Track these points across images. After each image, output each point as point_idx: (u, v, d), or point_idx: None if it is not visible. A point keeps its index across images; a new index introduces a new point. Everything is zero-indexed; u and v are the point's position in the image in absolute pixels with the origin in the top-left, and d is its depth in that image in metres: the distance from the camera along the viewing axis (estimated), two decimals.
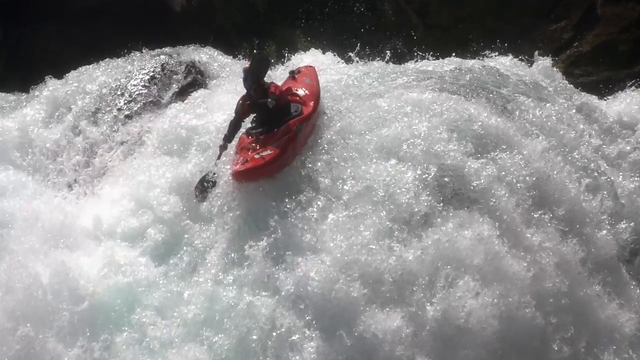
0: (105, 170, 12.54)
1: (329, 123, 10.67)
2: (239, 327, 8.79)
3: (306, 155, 10.25)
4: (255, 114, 9.01)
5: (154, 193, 10.32)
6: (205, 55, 15.68)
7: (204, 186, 8.96)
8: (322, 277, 8.98)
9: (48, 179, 12.14)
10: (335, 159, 10.39)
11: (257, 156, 8.24)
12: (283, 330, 8.71)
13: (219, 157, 8.80)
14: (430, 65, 15.56)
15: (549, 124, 11.87)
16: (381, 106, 11.61)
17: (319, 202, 9.86)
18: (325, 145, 10.59)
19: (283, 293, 8.98)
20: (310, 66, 10.43)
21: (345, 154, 10.54)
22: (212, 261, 9.21)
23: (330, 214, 9.74)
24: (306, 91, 9.59)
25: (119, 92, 14.07)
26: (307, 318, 8.82)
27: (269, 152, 8.38)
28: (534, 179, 10.51)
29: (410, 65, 15.52)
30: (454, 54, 15.96)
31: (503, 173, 10.46)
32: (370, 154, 10.58)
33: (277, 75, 12.24)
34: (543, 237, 9.88)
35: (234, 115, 8.80)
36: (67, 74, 14.45)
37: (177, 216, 10.03)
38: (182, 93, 14.05)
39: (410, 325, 8.87)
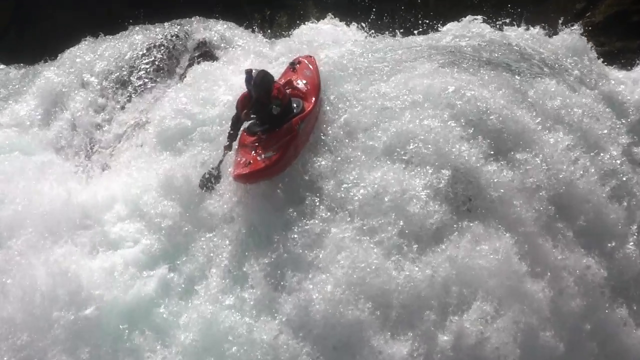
0: (110, 154, 12.17)
1: (332, 116, 10.07)
2: (238, 357, 8.17)
3: (309, 155, 9.57)
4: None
5: (153, 196, 9.77)
6: (215, 28, 14.91)
7: (208, 181, 8.73)
8: (326, 300, 8.39)
9: (57, 157, 11.87)
10: (339, 159, 9.66)
11: (259, 158, 8.01)
12: None
13: (223, 157, 8.57)
14: (443, 36, 14.38)
15: (573, 116, 10.82)
16: (388, 94, 10.71)
17: (322, 213, 9.20)
18: (329, 144, 9.87)
19: (285, 318, 8.41)
20: (310, 56, 9.88)
21: (349, 154, 9.79)
22: (213, 279, 8.80)
23: (334, 227, 9.05)
24: (307, 85, 9.18)
25: (122, 70, 13.84)
26: (310, 346, 8.26)
27: (271, 153, 8.13)
28: (556, 184, 9.65)
29: (420, 39, 14.28)
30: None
31: (522, 178, 9.67)
32: (377, 154, 9.78)
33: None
34: (564, 252, 9.19)
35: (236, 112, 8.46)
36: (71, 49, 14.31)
37: (177, 223, 9.45)
38: (191, 66, 13.63)
39: (421, 352, 8.29)
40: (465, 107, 10.46)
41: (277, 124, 8.47)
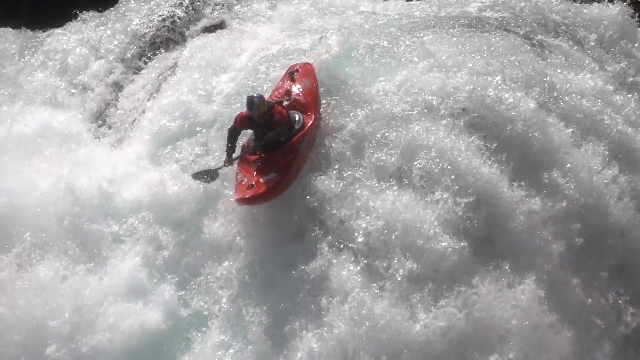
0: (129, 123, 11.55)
1: (336, 126, 9.35)
2: None
3: (312, 176, 8.75)
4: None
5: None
6: None
7: (203, 176, 8.48)
8: (330, 357, 7.65)
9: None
10: (344, 183, 8.76)
11: (262, 180, 7.84)
12: None
13: (224, 166, 8.34)
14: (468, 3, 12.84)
15: (610, 125, 9.65)
16: (396, 94, 9.63)
17: (325, 249, 8.34)
18: (333, 161, 8.99)
19: None
20: (309, 64, 9.33)
21: (355, 174, 8.86)
22: (212, 330, 8.29)
23: (339, 268, 8.18)
24: (306, 97, 8.78)
25: (138, 36, 13.33)
26: None
27: (273, 175, 7.95)
28: (588, 213, 8.66)
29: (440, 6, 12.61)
30: None
31: (550, 205, 8.67)
32: (385, 175, 8.82)
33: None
34: (596, 296, 8.28)
35: (233, 125, 8.22)
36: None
37: (175, 254, 8.82)
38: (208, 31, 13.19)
39: None
40: (485, 113, 9.32)
41: (279, 143, 8.19)
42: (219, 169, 8.52)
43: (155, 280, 8.56)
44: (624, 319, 8.30)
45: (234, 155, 8.44)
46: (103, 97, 12.51)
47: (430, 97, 9.51)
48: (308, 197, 8.63)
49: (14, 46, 13.95)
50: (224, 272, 8.43)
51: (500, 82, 9.75)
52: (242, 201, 8.01)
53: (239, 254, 8.45)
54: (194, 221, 8.88)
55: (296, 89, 8.89)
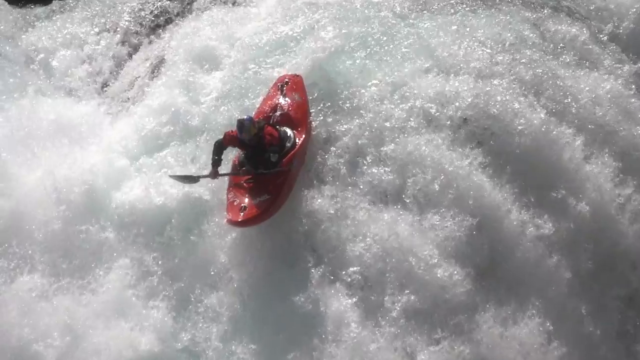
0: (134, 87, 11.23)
1: (329, 137, 8.97)
2: None
3: (303, 196, 8.34)
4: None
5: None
6: None
7: (184, 179, 8.37)
8: None
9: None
10: (337, 205, 8.31)
11: (254, 202, 7.77)
12: None
13: (207, 177, 8.15)
14: None
15: (626, 135, 9.02)
16: (392, 101, 9.16)
17: (318, 280, 7.85)
18: (324, 179, 8.60)
19: None
20: (297, 75, 9.05)
21: (347, 193, 8.44)
22: None
23: (332, 300, 7.70)
24: (296, 111, 8.60)
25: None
26: None
27: (265, 196, 7.82)
28: (598, 236, 8.16)
29: None
30: None
31: (557, 228, 8.16)
32: (381, 195, 8.41)
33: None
34: (602, 329, 7.80)
35: (220, 139, 8.06)
36: None
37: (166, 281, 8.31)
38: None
39: None
40: (489, 123, 8.80)
41: (271, 163, 7.98)
42: (201, 177, 8.27)
43: (146, 303, 8.13)
44: (633, 349, 7.83)
45: (221, 171, 8.19)
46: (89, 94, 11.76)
47: (428, 104, 9.00)
48: (299, 220, 8.24)
49: None
50: (214, 302, 8.01)
51: (506, 87, 9.14)
52: (234, 223, 7.84)
53: (229, 283, 8.05)
54: (185, 240, 8.47)
55: (286, 102, 8.66)
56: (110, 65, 12.00)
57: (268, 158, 7.81)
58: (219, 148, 8.03)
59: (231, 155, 8.54)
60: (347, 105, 9.09)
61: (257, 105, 8.97)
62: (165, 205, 8.60)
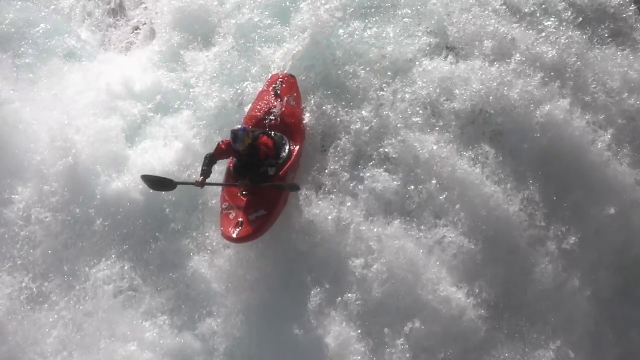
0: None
1: (321, 143, 8.37)
2: None
3: (300, 207, 7.77)
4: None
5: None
6: None
7: (161, 185, 7.86)
8: None
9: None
10: (336, 218, 7.69)
11: (250, 217, 7.50)
12: None
13: (190, 185, 7.77)
14: None
15: None
16: (389, 91, 8.45)
17: (316, 307, 7.31)
18: (322, 187, 8.01)
19: None
20: (292, 76, 8.60)
21: (347, 203, 7.82)
22: None
23: (332, 331, 7.18)
24: (291, 117, 8.29)
25: None
26: None
27: (262, 212, 7.53)
28: (620, 253, 7.58)
29: None
30: None
31: (577, 246, 7.50)
32: (382, 205, 7.83)
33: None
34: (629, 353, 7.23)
35: (212, 152, 7.79)
36: None
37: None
38: None
39: None
40: (502, 119, 8.13)
41: (267, 175, 7.76)
42: (183, 183, 7.82)
43: (138, 324, 7.66)
44: None
45: (210, 180, 7.81)
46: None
47: (434, 94, 8.35)
48: (296, 235, 7.73)
49: None
50: (208, 331, 7.52)
51: (524, 71, 8.31)
52: (229, 239, 7.55)
53: (223, 309, 7.58)
54: (176, 254, 8.01)
55: (280, 106, 8.29)
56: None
57: (265, 172, 7.61)
58: (209, 161, 7.70)
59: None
60: (346, 95, 8.39)
61: (248, 108, 8.44)
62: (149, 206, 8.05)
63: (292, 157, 7.86)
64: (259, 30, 9.11)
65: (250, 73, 8.82)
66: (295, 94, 8.39)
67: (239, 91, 8.71)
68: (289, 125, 8.15)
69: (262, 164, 7.57)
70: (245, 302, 7.45)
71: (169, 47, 9.51)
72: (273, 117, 8.17)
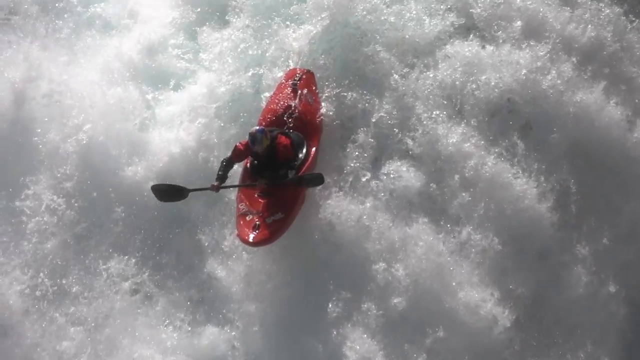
0: None
1: (340, 139, 8.00)
2: None
3: (319, 211, 7.40)
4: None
5: None
6: None
7: (172, 197, 7.63)
8: None
9: None
10: (355, 219, 7.28)
11: (268, 220, 7.29)
12: None
13: (204, 190, 7.56)
14: None
15: None
16: (411, 78, 8.01)
17: (336, 318, 6.97)
18: (341, 187, 7.57)
19: None
20: (309, 71, 8.30)
21: (366, 205, 7.40)
22: None
23: (354, 351, 6.79)
24: (308, 115, 8.03)
25: None
26: None
27: (279, 215, 7.31)
28: None
29: None
30: None
31: (610, 255, 7.20)
32: (403, 205, 7.40)
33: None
34: None
35: (229, 155, 7.64)
36: None
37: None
38: None
39: None
40: (531, 108, 7.68)
41: (278, 168, 7.59)
42: (197, 190, 7.54)
43: (159, 324, 7.46)
44: None
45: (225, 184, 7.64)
46: None
47: (459, 83, 7.90)
48: (315, 238, 7.37)
49: None
50: (226, 339, 7.25)
51: (556, 56, 7.82)
52: (245, 242, 7.34)
53: (240, 315, 7.28)
54: (193, 252, 7.75)
55: (298, 104, 7.99)
56: None
57: (285, 174, 7.44)
58: (227, 165, 7.52)
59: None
60: (366, 83, 7.99)
61: (264, 97, 8.20)
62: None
63: (310, 158, 7.65)
64: (277, 10, 8.63)
65: (265, 57, 8.35)
66: (313, 90, 8.12)
67: (255, 76, 8.32)
68: (307, 123, 7.90)
69: (280, 166, 7.39)
70: (263, 310, 7.16)
71: (184, 25, 9.06)
72: (290, 115, 7.88)
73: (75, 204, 7.77)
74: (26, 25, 9.15)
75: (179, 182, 7.57)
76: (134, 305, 7.45)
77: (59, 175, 7.88)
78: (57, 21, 9.22)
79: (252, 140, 7.24)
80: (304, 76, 8.21)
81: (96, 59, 8.75)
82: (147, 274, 7.63)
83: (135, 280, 7.60)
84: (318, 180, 7.26)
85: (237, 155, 7.50)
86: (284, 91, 8.18)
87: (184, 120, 8.25)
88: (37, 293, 7.51)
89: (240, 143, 7.47)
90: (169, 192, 7.53)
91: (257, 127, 7.36)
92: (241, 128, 8.09)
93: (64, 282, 7.58)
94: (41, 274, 7.57)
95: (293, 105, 7.93)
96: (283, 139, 7.53)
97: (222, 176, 7.48)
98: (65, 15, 9.38)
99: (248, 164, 7.68)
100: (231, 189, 7.55)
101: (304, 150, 7.71)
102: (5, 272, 7.64)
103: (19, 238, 7.74)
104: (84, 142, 7.90)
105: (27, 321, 7.37)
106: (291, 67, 8.34)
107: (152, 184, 7.63)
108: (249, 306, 7.24)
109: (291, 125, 7.84)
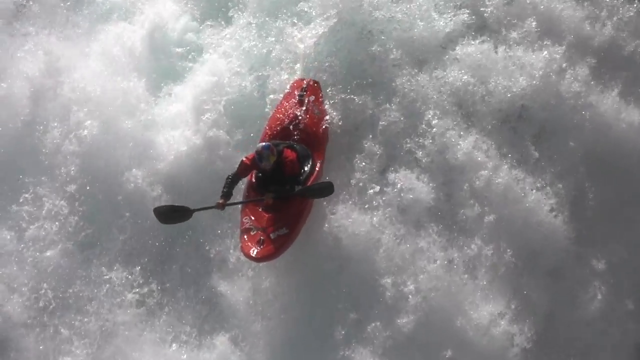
0: None
1: (347, 150, 7.80)
2: None
3: (325, 224, 7.25)
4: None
5: None
6: None
7: (175, 219, 7.50)
8: None
9: None
10: (364, 234, 7.08)
11: (272, 236, 7.19)
12: None
13: (208, 209, 7.48)
14: None
15: None
16: (422, 82, 7.74)
17: (343, 342, 6.77)
18: (347, 200, 7.36)
19: None
20: (316, 82, 8.16)
21: (374, 219, 7.17)
22: None
23: None
24: (314, 127, 7.94)
25: None
26: None
27: (284, 230, 7.23)
28: None
29: None
30: None
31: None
32: (412, 220, 7.15)
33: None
34: None
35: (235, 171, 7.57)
36: None
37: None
38: None
39: None
40: (545, 115, 7.46)
41: (284, 182, 7.51)
42: (201, 209, 7.38)
43: (164, 340, 7.29)
44: None
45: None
46: None
47: (470, 87, 7.64)
48: (321, 254, 7.18)
49: None
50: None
51: (571, 57, 7.54)
52: (248, 257, 7.25)
53: (244, 334, 7.11)
54: (199, 265, 7.61)
55: (304, 115, 7.91)
56: None
57: (292, 189, 7.30)
58: (232, 181, 7.40)
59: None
60: (373, 87, 7.75)
61: (270, 101, 8.08)
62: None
63: (315, 172, 7.53)
64: (282, 7, 8.38)
65: (270, 58, 8.15)
66: (320, 102, 8.00)
67: (260, 77, 8.14)
68: (312, 136, 7.80)
69: (287, 181, 7.28)
70: (268, 328, 6.99)
71: (189, 22, 8.83)
72: (296, 126, 7.81)
73: (80, 209, 7.53)
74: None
75: (183, 183, 7.53)
76: (139, 319, 7.25)
77: (60, 177, 7.63)
78: (73, 14, 8.98)
79: (259, 157, 7.17)
80: (310, 86, 8.08)
81: (100, 51, 8.46)
82: (152, 285, 7.48)
83: (141, 291, 7.42)
84: (327, 190, 7.13)
85: (244, 170, 7.41)
86: (291, 101, 8.08)
87: (189, 119, 8.01)
88: (41, 304, 7.31)
89: (246, 157, 7.38)
90: (171, 214, 7.38)
91: (263, 144, 7.28)
92: (246, 129, 7.94)
93: (67, 293, 7.35)
94: (45, 284, 7.35)
95: (299, 116, 7.83)
96: (289, 153, 7.45)
97: (228, 193, 7.37)
98: (82, 9, 9.09)
99: (253, 179, 7.57)
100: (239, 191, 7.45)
101: (310, 164, 7.59)
102: (5, 282, 7.37)
103: (20, 245, 7.48)
104: (87, 140, 7.68)
105: (29, 334, 7.16)
106: (297, 78, 8.15)
107: (156, 189, 7.58)
108: (254, 324, 7.06)
109: (297, 137, 7.73)
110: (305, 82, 8.18)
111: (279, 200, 7.26)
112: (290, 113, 8.01)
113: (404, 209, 7.14)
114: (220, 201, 7.29)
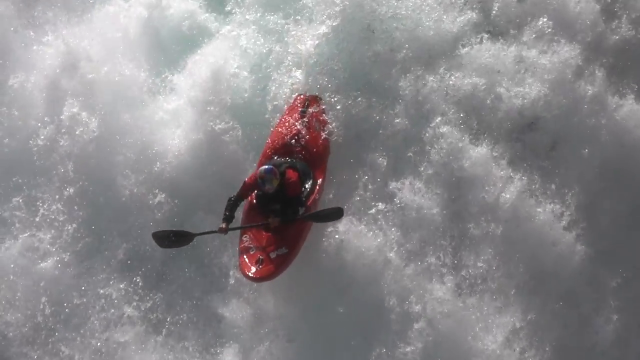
0: None
1: (350, 163, 7.55)
2: None
3: (325, 243, 7.02)
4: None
5: None
6: None
7: (173, 243, 7.44)
8: None
9: None
10: (367, 256, 6.82)
11: (272, 255, 7.09)
12: None
13: (209, 233, 7.46)
14: None
15: None
16: (427, 93, 7.41)
17: None
18: (349, 218, 7.06)
19: None
20: (317, 97, 8.06)
21: (377, 240, 6.91)
22: None
23: None
24: (315, 144, 7.82)
25: None
26: None
27: (283, 250, 7.13)
28: None
29: None
30: None
31: None
32: (417, 242, 6.89)
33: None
34: None
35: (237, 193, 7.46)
36: None
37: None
38: None
39: None
40: (557, 126, 7.14)
41: (285, 202, 7.41)
42: (203, 234, 7.35)
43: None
44: None
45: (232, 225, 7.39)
46: None
47: (479, 95, 7.29)
48: (322, 274, 6.95)
49: None
50: None
51: (583, 63, 7.15)
52: (247, 277, 7.15)
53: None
54: (200, 286, 7.39)
55: (306, 132, 7.81)
56: None
57: (296, 211, 7.17)
58: (234, 203, 7.31)
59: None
60: (376, 94, 7.46)
61: (273, 109, 7.95)
62: None
63: (317, 189, 7.43)
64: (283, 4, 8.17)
65: (269, 59, 7.92)
66: (322, 122, 7.84)
67: (261, 79, 7.95)
68: (313, 152, 7.68)
69: (289, 201, 7.16)
70: (269, 354, 6.71)
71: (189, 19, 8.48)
72: (298, 142, 7.71)
73: (80, 213, 7.19)
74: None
75: (186, 185, 7.41)
76: (139, 338, 6.95)
77: (56, 178, 7.31)
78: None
79: (262, 182, 7.05)
80: (311, 101, 7.95)
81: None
82: (153, 300, 7.18)
83: (140, 306, 7.12)
84: (336, 215, 6.98)
85: (246, 191, 7.32)
86: (292, 117, 7.98)
87: (189, 119, 7.83)
88: (39, 319, 6.96)
89: (248, 178, 7.29)
90: (172, 239, 7.25)
91: (266, 167, 7.12)
92: (246, 131, 7.74)
93: (62, 311, 6.99)
94: (43, 298, 6.97)
95: (301, 131, 7.71)
96: (291, 174, 7.34)
97: (230, 217, 7.26)
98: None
99: (254, 199, 7.44)
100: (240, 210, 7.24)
101: (310, 182, 7.49)
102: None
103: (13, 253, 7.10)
104: (86, 136, 7.39)
105: (29, 352, 6.84)
106: (298, 94, 7.92)
107: (156, 189, 7.46)
108: (256, 349, 6.78)
109: (298, 154, 7.62)
110: (306, 97, 8.03)
111: (286, 224, 7.12)
112: (291, 129, 7.88)
113: (409, 227, 6.90)
114: (223, 225, 7.15)
